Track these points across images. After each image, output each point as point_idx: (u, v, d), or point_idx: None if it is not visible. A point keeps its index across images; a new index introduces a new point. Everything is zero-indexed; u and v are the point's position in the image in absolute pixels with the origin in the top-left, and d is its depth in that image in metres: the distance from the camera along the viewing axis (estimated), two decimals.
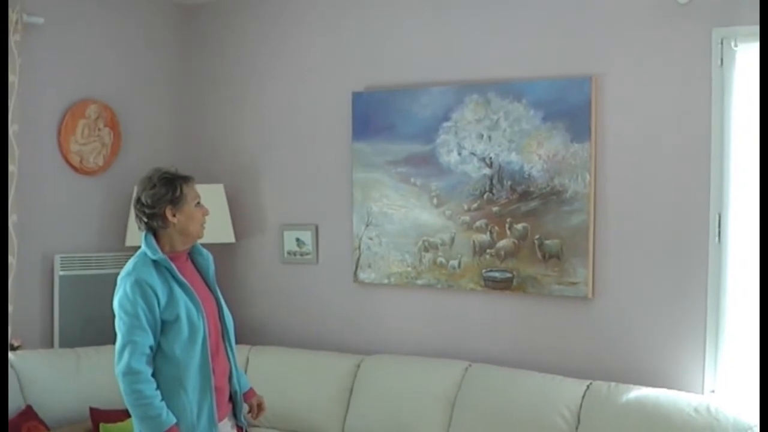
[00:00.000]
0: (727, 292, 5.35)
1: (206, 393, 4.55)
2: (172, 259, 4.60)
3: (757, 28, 5.09)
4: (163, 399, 4.45)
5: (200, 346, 4.53)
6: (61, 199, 6.61)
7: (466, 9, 6.16)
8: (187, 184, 4.66)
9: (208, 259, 4.84)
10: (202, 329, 4.55)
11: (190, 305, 4.54)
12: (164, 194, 4.60)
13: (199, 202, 4.68)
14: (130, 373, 4.40)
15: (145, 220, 4.62)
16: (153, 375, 4.46)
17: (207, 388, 4.55)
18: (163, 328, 4.50)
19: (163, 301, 4.48)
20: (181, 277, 4.57)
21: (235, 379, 4.80)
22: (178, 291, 4.53)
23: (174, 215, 4.60)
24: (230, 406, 4.80)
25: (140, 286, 4.45)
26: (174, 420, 4.43)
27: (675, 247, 5.51)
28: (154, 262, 4.54)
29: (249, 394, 4.98)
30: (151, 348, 4.46)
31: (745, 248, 5.30)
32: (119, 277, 4.56)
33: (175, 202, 4.60)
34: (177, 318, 4.49)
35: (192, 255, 4.80)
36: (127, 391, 4.41)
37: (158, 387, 4.46)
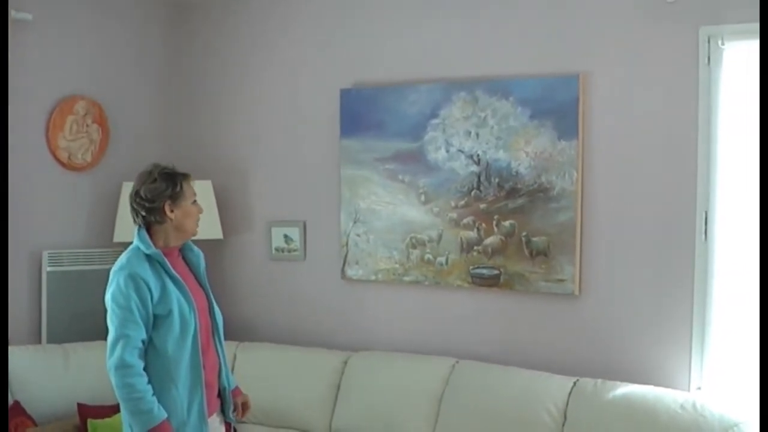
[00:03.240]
0: (713, 289, 5.37)
1: (197, 388, 4.57)
2: (164, 254, 4.63)
3: (744, 27, 5.15)
4: (154, 394, 4.47)
5: (191, 342, 4.56)
6: (49, 195, 6.60)
7: (453, 7, 6.17)
8: (186, 181, 4.72)
9: (199, 256, 4.88)
10: (194, 325, 4.58)
11: (183, 300, 4.57)
12: (164, 189, 4.64)
13: (195, 200, 4.73)
14: (122, 366, 4.42)
15: (143, 213, 4.64)
16: (144, 369, 4.49)
17: (197, 384, 4.57)
18: (155, 322, 4.53)
19: (156, 295, 4.52)
20: (174, 272, 4.60)
21: (224, 375, 4.83)
22: (170, 286, 4.56)
23: (172, 210, 4.65)
24: (219, 402, 4.83)
25: (134, 280, 4.48)
26: (165, 415, 4.45)
27: (662, 245, 5.53)
28: (148, 256, 4.58)
29: (235, 393, 4.99)
30: (143, 342, 4.49)
31: (731, 246, 5.32)
32: (112, 271, 4.58)
33: (174, 197, 4.65)
34: (169, 313, 4.52)
35: (183, 251, 4.83)
36: (119, 384, 4.43)
37: (149, 382, 4.48)
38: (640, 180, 5.59)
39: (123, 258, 4.60)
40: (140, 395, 4.42)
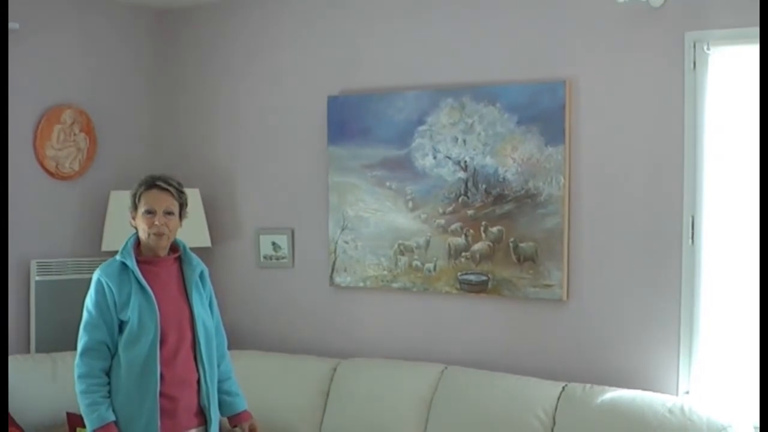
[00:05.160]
0: (700, 293, 5.38)
1: (147, 397, 4.58)
2: (149, 262, 4.72)
3: (729, 32, 5.18)
4: (109, 396, 4.56)
5: (146, 349, 4.59)
6: (36, 204, 6.60)
7: (440, 13, 6.19)
8: (149, 190, 4.76)
9: (195, 269, 4.89)
10: (152, 333, 4.60)
11: (144, 307, 4.62)
12: (131, 198, 4.78)
13: (149, 211, 4.71)
14: (77, 366, 4.60)
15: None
16: (109, 372, 4.61)
17: (148, 393, 4.59)
18: (120, 327, 4.62)
19: (118, 300, 4.61)
20: (142, 279, 4.64)
21: (204, 393, 4.80)
22: (135, 293, 4.63)
23: (134, 218, 4.77)
24: (199, 420, 4.82)
25: (99, 284, 4.64)
26: (112, 417, 4.53)
27: (649, 250, 5.54)
28: (123, 262, 4.66)
29: (243, 416, 5.05)
30: (105, 345, 4.60)
31: (718, 250, 5.34)
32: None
33: (134, 207, 4.76)
34: (129, 319, 4.59)
35: (182, 263, 4.87)
36: (75, 383, 4.59)
37: (110, 384, 4.59)
38: (627, 185, 5.60)
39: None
40: (90, 395, 4.55)
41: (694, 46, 5.32)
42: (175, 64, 7.37)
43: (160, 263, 4.76)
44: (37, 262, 6.51)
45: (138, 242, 4.77)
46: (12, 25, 6.20)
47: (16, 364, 6.07)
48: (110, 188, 6.71)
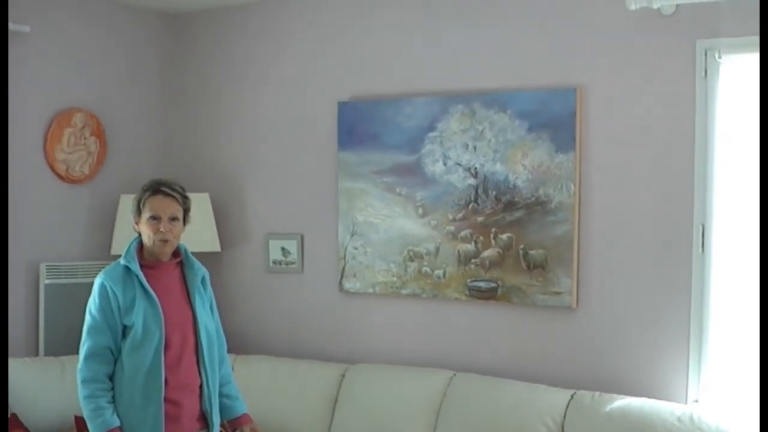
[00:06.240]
0: (710, 301, 5.37)
1: (151, 403, 4.57)
2: (151, 266, 4.72)
3: (740, 40, 5.16)
4: (113, 402, 4.54)
5: (151, 355, 4.58)
6: (46, 207, 6.60)
7: (451, 20, 6.18)
8: (154, 196, 4.73)
9: (197, 273, 4.88)
10: (157, 338, 4.59)
11: (149, 313, 4.60)
12: (134, 203, 4.77)
13: (154, 217, 4.69)
14: (80, 370, 4.55)
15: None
16: (112, 377, 4.58)
17: (153, 398, 4.57)
18: (124, 332, 4.60)
19: (123, 305, 4.59)
20: (146, 284, 4.63)
21: (206, 398, 4.79)
22: (139, 297, 4.61)
23: (137, 224, 4.75)
24: (201, 425, 4.81)
25: (103, 288, 4.62)
26: (117, 423, 4.52)
27: (659, 257, 5.53)
28: (126, 266, 4.65)
29: (243, 420, 5.03)
30: (109, 350, 4.58)
31: (728, 258, 5.32)
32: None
33: (138, 212, 4.74)
34: (133, 324, 4.57)
35: (184, 267, 4.85)
36: (78, 388, 4.55)
37: (113, 389, 4.57)
38: (637, 193, 5.59)
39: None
40: (94, 400, 4.52)
41: (706, 54, 5.32)
42: (186, 69, 7.37)
43: (162, 268, 4.75)
44: (46, 266, 6.51)
45: (140, 246, 4.76)
46: (23, 28, 6.21)
47: (24, 367, 6.08)
48: (120, 192, 6.72)
